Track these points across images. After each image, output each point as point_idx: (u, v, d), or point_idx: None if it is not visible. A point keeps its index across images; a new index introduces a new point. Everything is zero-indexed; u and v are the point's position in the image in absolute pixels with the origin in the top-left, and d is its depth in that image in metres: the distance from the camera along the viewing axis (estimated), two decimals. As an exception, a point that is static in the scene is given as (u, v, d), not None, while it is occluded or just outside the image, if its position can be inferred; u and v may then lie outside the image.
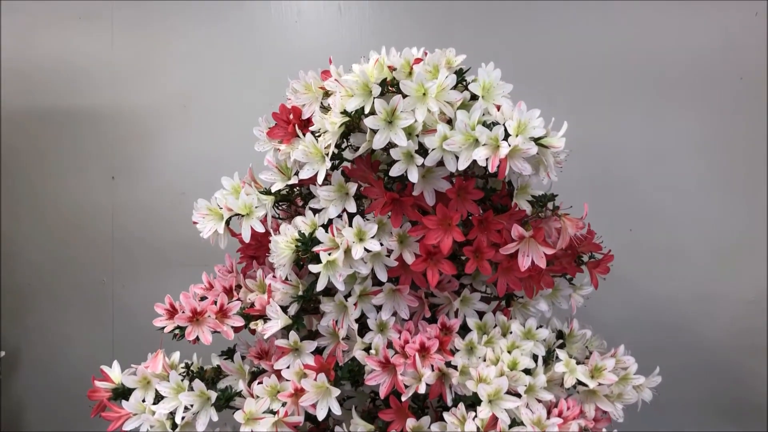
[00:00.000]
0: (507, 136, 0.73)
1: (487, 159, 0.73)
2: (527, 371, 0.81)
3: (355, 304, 0.84)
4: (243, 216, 0.85)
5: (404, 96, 0.75)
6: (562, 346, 0.89)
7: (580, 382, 0.81)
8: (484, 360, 0.82)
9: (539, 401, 0.79)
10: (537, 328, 0.85)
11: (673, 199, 1.28)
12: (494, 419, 0.76)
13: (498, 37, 1.30)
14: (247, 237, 0.85)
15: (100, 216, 1.36)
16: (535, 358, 0.83)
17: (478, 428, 0.75)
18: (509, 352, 0.82)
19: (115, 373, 0.87)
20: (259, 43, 1.32)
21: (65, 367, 1.35)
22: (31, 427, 1.41)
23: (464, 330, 0.85)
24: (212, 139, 1.31)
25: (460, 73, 0.81)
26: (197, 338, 0.84)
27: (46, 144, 1.37)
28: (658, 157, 1.27)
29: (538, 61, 1.30)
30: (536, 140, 0.74)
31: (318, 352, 0.85)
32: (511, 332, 0.84)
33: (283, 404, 0.80)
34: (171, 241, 1.32)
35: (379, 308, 0.85)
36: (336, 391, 0.79)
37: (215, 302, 0.83)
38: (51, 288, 1.39)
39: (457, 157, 0.75)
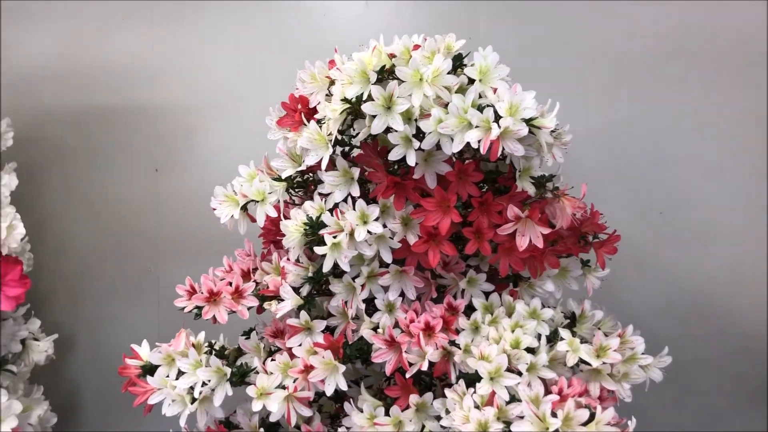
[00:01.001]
0: (499, 118, 0.74)
1: (479, 141, 0.74)
2: (530, 350, 0.82)
3: (363, 285, 0.87)
4: (258, 202, 0.89)
5: (400, 82, 0.78)
6: (570, 326, 0.90)
7: (584, 362, 0.82)
8: (488, 339, 0.83)
9: (542, 380, 0.81)
10: (542, 308, 0.86)
11: (705, 180, 1.25)
12: (493, 396, 0.78)
13: (526, 25, 1.30)
14: (261, 222, 0.89)
15: (145, 207, 1.44)
16: (539, 337, 0.84)
17: (476, 404, 0.77)
18: (512, 331, 0.84)
19: (144, 351, 0.92)
20: (289, 39, 1.36)
21: (115, 348, 1.43)
22: (86, 404, 1.50)
23: (472, 310, 0.87)
24: (247, 132, 1.36)
25: (459, 58, 0.83)
26: (215, 318, 0.89)
27: (94, 140, 1.45)
28: (689, 137, 1.25)
29: (565, 43, 1.29)
30: (528, 121, 0.75)
31: (330, 331, 0.89)
32: (515, 312, 0.85)
33: (295, 380, 0.84)
34: (210, 230, 1.38)
35: (387, 289, 0.88)
36: (342, 368, 0.83)
37: (230, 283, 0.88)
38: (101, 276, 1.47)
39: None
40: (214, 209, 0.91)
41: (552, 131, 0.84)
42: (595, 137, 1.27)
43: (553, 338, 0.85)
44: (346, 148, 0.90)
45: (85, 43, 1.44)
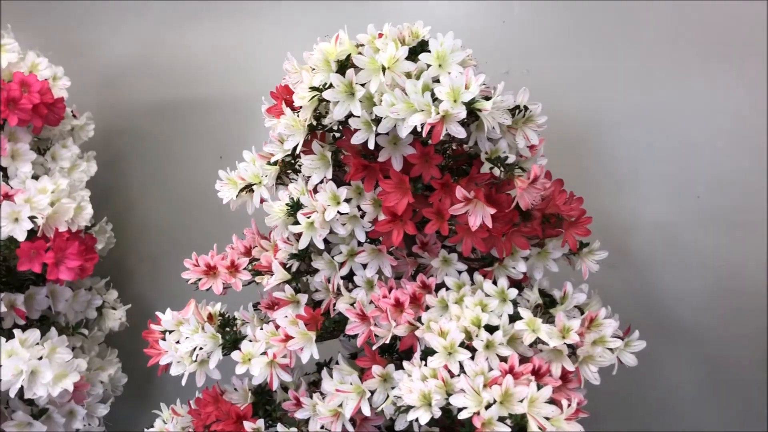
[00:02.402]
0: (437, 101, 0.77)
1: (422, 125, 0.78)
2: (491, 328, 0.84)
3: (343, 263, 0.93)
4: (255, 185, 0.98)
5: (357, 70, 0.82)
6: (548, 308, 0.90)
7: (543, 341, 0.83)
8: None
9: (500, 357, 0.83)
10: (509, 288, 0.87)
11: (745, 163, 1.18)
12: (446, 369, 0.81)
13: (564, 5, 1.28)
14: (256, 203, 0.97)
15: (211, 190, 1.56)
16: (510, 316, 0.86)
17: (424, 375, 0.80)
18: (482, 310, 0.86)
19: (165, 318, 1.04)
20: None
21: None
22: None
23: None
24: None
25: (423, 45, 0.86)
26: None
27: (169, 130, 1.59)
28: (730, 118, 1.18)
29: (603, 23, 1.26)
30: (469, 104, 0.77)
31: (317, 305, 0.96)
32: (478, 291, 0.87)
33: (276, 348, 0.91)
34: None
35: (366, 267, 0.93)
36: (312, 336, 0.89)
37: (224, 258, 0.97)
38: (176, 252, 1.62)
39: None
40: (218, 191, 1.00)
41: (520, 112, 0.86)
42: (629, 117, 1.23)
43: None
44: (336, 134, 0.96)
45: (161, 41, 1.59)
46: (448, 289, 0.90)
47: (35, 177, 1.26)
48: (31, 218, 1.19)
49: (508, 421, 0.75)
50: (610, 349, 0.85)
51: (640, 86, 1.23)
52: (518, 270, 0.90)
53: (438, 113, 0.76)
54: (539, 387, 0.78)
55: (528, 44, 1.29)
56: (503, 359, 0.81)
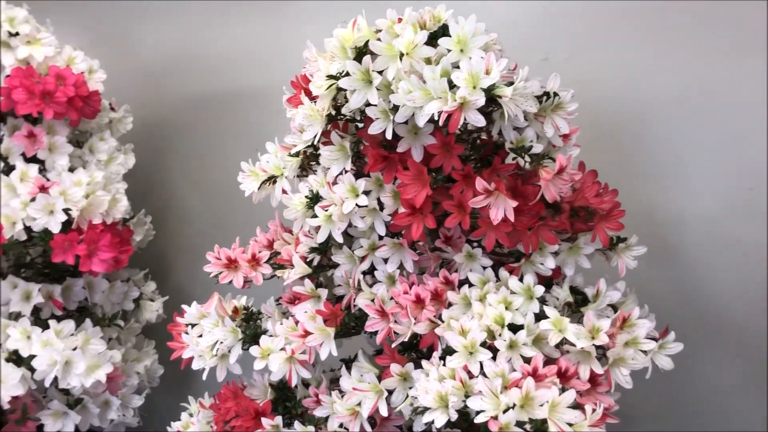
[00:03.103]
0: (455, 87, 0.73)
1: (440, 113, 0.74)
2: (515, 327, 0.80)
3: (364, 257, 0.90)
4: (278, 177, 0.96)
5: (374, 57, 0.79)
6: (579, 306, 0.85)
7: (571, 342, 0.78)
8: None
9: (524, 359, 0.78)
10: (535, 285, 0.83)
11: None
12: (465, 370, 0.77)
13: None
14: (278, 196, 0.95)
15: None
16: (536, 315, 0.81)
17: (442, 376, 0.77)
18: (506, 308, 0.82)
19: (190, 311, 1.03)
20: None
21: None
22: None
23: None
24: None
25: (445, 29, 0.82)
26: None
27: (209, 123, 1.59)
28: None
29: (650, 9, 1.19)
30: (488, 91, 0.73)
31: (338, 300, 0.93)
32: (502, 288, 0.83)
33: (295, 344, 0.89)
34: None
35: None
36: (331, 332, 0.86)
37: (244, 252, 0.95)
38: (214, 244, 1.62)
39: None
40: (240, 183, 0.98)
41: (549, 98, 0.81)
42: (676, 106, 1.16)
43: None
44: (359, 125, 0.93)
45: (202, 37, 1.58)
46: (471, 285, 0.86)
47: (72, 169, 1.27)
48: (66, 210, 1.20)
49: (528, 426, 0.70)
50: (644, 351, 0.80)
51: (689, 74, 1.16)
52: (546, 266, 0.85)
53: (455, 100, 0.72)
54: (564, 390, 0.74)
55: (569, 30, 1.24)
56: (527, 360, 0.77)
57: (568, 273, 0.87)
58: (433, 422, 0.75)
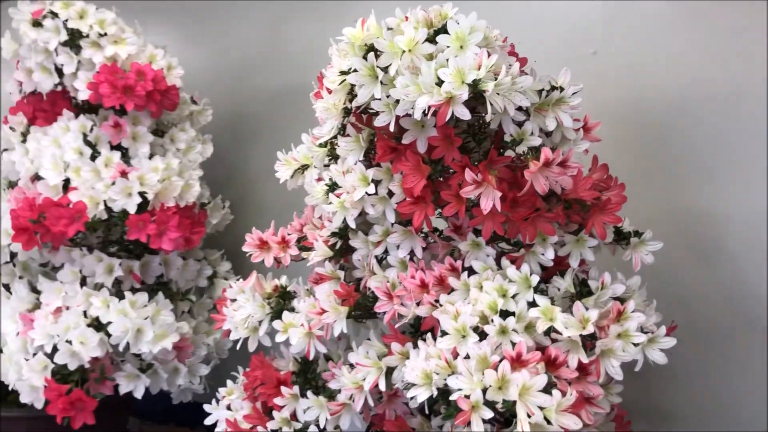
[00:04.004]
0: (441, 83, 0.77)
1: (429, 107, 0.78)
2: (508, 314, 0.83)
3: (378, 242, 0.95)
4: (309, 166, 1.03)
5: (378, 54, 0.84)
6: (580, 297, 0.87)
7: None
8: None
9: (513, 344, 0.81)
10: (532, 275, 0.85)
11: None
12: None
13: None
14: (309, 183, 1.02)
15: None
16: (530, 303, 0.84)
17: (429, 355, 0.81)
18: (503, 295, 0.85)
19: (233, 287, 1.12)
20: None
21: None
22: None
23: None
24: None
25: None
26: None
27: (285, 115, 1.70)
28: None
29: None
30: (473, 86, 0.76)
31: (357, 282, 0.99)
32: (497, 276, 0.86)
33: (312, 320, 0.96)
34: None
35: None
36: (344, 311, 0.93)
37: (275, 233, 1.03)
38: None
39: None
40: (276, 171, 1.06)
41: (552, 91, 0.84)
42: (725, 101, 1.13)
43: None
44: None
45: (278, 34, 1.69)
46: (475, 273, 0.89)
47: (152, 156, 1.41)
48: (142, 193, 1.33)
49: (500, 406, 0.74)
50: (635, 344, 0.80)
51: (738, 70, 1.12)
52: (547, 257, 0.87)
53: (440, 95, 0.76)
54: (549, 377, 0.77)
55: (618, 24, 1.23)
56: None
57: (573, 265, 0.89)
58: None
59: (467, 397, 0.74)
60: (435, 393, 0.78)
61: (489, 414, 0.73)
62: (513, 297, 0.85)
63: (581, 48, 1.25)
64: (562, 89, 0.85)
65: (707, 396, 1.17)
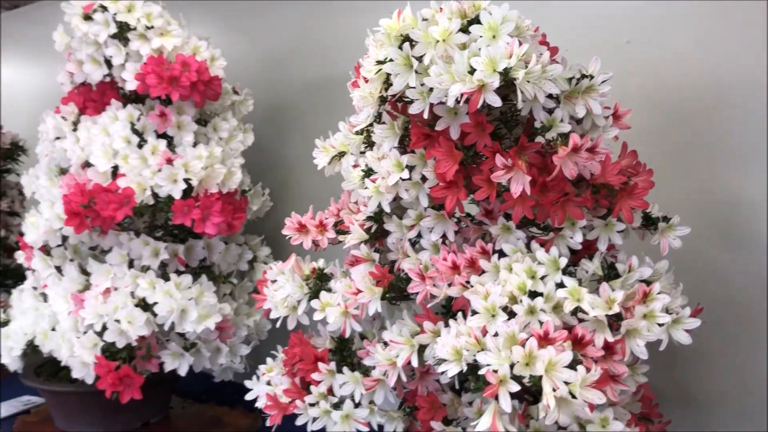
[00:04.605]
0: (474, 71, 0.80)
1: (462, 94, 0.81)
2: (535, 294, 0.86)
3: (412, 226, 0.99)
4: (346, 153, 1.07)
5: (413, 44, 0.88)
6: (608, 279, 0.89)
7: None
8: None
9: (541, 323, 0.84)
10: (561, 257, 0.88)
11: None
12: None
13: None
14: (347, 169, 1.06)
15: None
16: (558, 284, 0.87)
17: (459, 332, 0.85)
18: (532, 277, 0.88)
19: (274, 269, 1.17)
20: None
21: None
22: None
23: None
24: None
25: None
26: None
27: (321, 106, 1.74)
28: None
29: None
30: (504, 74, 0.79)
31: (391, 264, 1.03)
32: (526, 258, 0.89)
33: (347, 300, 1.00)
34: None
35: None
36: (378, 292, 0.97)
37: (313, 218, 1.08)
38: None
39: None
40: (314, 158, 1.11)
41: (582, 79, 0.86)
42: (758, 88, 1.14)
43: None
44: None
45: (316, 26, 1.73)
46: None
47: (196, 145, 1.46)
48: (187, 180, 1.39)
49: (526, 381, 0.77)
50: (660, 324, 0.83)
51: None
52: (575, 240, 0.90)
53: (473, 83, 0.79)
54: (574, 355, 0.80)
55: (652, 13, 1.24)
56: (545, 326, 0.83)
57: (602, 248, 0.91)
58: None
59: (495, 371, 0.78)
60: (465, 368, 0.81)
61: (516, 387, 0.76)
62: (542, 278, 0.87)
63: (615, 37, 1.27)
64: (591, 77, 0.88)
65: (735, 381, 1.19)
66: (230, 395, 1.64)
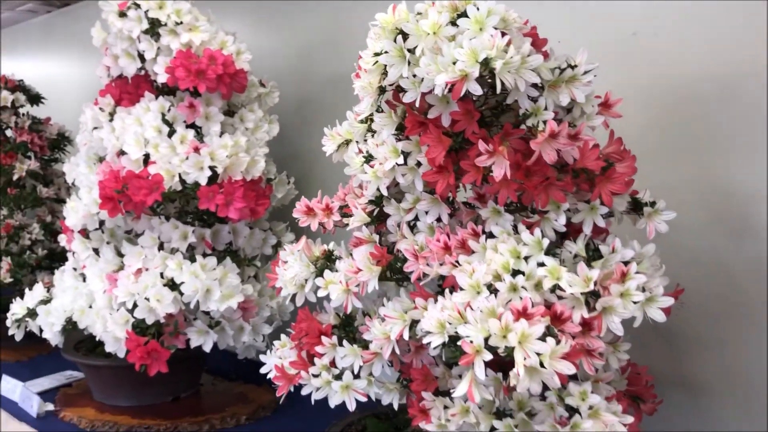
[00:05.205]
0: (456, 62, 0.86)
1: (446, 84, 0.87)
2: (518, 273, 0.91)
3: (409, 209, 1.05)
4: (351, 140, 1.14)
5: (405, 36, 0.94)
6: (590, 261, 0.94)
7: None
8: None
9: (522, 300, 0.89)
10: (544, 239, 0.93)
11: None
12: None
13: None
14: (350, 156, 1.13)
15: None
16: (541, 264, 0.92)
17: (444, 307, 0.90)
18: (518, 257, 0.93)
19: (286, 250, 1.24)
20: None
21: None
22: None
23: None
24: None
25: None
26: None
27: (345, 99, 1.81)
28: None
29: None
30: (485, 64, 0.85)
31: (392, 245, 1.09)
32: (511, 238, 0.94)
33: (349, 279, 1.07)
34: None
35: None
36: (377, 271, 1.03)
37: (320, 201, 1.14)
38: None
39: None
40: (323, 146, 1.17)
41: (564, 69, 0.91)
42: (760, 79, 1.16)
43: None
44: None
45: (340, 20, 1.80)
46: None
47: (223, 135, 1.55)
48: (212, 167, 1.47)
49: (502, 352, 0.82)
50: (635, 302, 0.87)
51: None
52: (559, 223, 0.94)
53: (455, 72, 0.85)
54: (550, 329, 0.85)
55: (657, 5, 1.27)
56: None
57: (586, 231, 0.96)
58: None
59: (471, 342, 0.83)
60: (446, 340, 0.87)
61: (489, 356, 0.81)
62: (525, 259, 0.92)
63: (622, 30, 1.30)
64: (574, 67, 0.92)
65: (738, 367, 1.21)
66: (257, 374, 1.73)
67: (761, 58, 1.16)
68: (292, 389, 1.12)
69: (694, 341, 1.26)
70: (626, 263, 0.93)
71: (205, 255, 1.51)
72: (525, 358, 0.80)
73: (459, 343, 0.84)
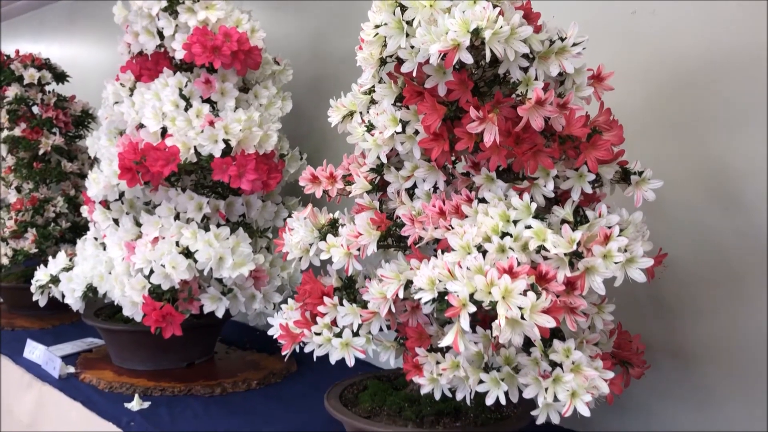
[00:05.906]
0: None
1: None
2: (507, 236, 0.96)
3: (408, 177, 1.10)
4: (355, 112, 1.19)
5: (404, 9, 0.99)
6: (575, 225, 0.98)
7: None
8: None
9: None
10: (532, 203, 0.97)
11: None
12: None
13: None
14: (353, 126, 1.18)
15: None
16: (529, 227, 0.96)
17: (435, 265, 0.95)
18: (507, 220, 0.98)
19: (294, 217, 1.30)
20: None
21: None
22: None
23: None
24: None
25: (467, -15, 0.98)
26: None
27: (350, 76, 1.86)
28: None
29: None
30: (475, 34, 0.89)
31: (393, 212, 1.14)
32: (500, 203, 0.98)
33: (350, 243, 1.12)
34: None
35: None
36: (376, 235, 1.08)
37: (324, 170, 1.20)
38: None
39: (446, 54, 0.95)
40: (329, 117, 1.23)
41: (554, 41, 0.95)
42: (757, 57, 1.18)
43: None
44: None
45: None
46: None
47: (237, 110, 1.61)
48: (226, 141, 1.54)
49: (486, 306, 0.87)
50: (616, 263, 0.91)
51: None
52: (548, 188, 0.99)
53: (447, 42, 0.90)
54: (534, 287, 0.89)
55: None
56: (516, 263, 0.93)
57: (574, 197, 1.00)
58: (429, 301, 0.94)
59: (458, 296, 0.88)
60: (436, 296, 0.92)
61: (473, 309, 0.86)
62: (515, 222, 0.97)
63: (621, 8, 1.33)
64: (563, 39, 0.96)
65: (730, 338, 1.24)
66: (270, 343, 1.80)
67: (758, 36, 1.19)
68: (299, 352, 1.17)
69: (689, 312, 1.29)
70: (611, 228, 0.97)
71: (218, 225, 1.57)
72: (507, 311, 0.85)
73: (446, 297, 0.89)
